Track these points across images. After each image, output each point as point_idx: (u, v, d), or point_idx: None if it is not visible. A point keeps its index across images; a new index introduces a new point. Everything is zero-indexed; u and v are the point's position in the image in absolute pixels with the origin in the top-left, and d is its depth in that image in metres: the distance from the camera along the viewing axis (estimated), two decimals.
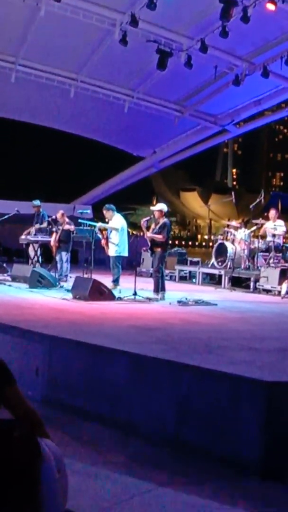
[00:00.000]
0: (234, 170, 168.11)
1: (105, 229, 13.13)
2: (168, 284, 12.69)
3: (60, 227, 14.60)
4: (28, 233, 15.44)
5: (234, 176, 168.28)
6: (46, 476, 2.90)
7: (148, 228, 11.97)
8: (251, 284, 14.18)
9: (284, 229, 14.77)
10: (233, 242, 15.52)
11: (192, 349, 6.41)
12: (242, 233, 15.44)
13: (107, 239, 12.99)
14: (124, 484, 4.21)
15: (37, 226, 15.47)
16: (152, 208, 12.37)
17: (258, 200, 16.57)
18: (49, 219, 15.26)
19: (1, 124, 27.30)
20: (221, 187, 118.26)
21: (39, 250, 15.22)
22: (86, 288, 10.72)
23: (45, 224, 15.22)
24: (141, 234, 13.22)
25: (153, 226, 11.96)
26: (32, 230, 15.55)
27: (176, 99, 21.01)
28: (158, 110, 21.17)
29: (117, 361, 5.99)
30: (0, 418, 2.94)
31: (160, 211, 11.96)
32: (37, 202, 15.98)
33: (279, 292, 13.04)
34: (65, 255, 14.75)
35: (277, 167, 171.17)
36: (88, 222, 13.83)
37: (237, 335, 7.65)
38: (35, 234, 15.31)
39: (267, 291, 13.59)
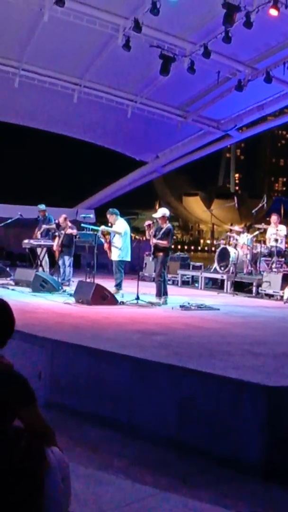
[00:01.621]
0: (236, 175, 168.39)
1: (108, 233, 13.13)
2: (170, 289, 12.70)
3: (63, 232, 14.62)
4: (35, 238, 15.46)
5: (237, 181, 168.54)
6: (50, 485, 2.94)
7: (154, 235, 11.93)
8: (254, 289, 14.18)
9: (285, 233, 14.80)
10: (235, 246, 15.52)
11: (195, 353, 6.41)
12: (244, 238, 15.44)
13: (110, 243, 13.00)
14: (125, 488, 4.21)
15: (45, 226, 15.44)
16: (154, 215, 12.31)
17: (260, 205, 16.59)
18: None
19: (5, 129, 27.36)
20: (224, 192, 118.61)
21: (42, 254, 15.23)
22: (89, 292, 10.74)
23: (53, 225, 15.16)
24: (143, 238, 13.21)
25: (152, 231, 11.95)
26: (38, 234, 15.58)
27: (179, 104, 21.04)
28: (161, 115, 21.20)
29: (120, 365, 6.00)
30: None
31: (163, 217, 11.96)
32: (42, 207, 16.00)
33: (282, 297, 13.05)
34: (67, 260, 14.76)
35: (280, 172, 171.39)
36: (91, 227, 13.85)
37: (239, 340, 7.65)
38: (44, 236, 15.32)
39: (270, 296, 13.59)
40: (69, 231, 14.58)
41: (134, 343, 6.88)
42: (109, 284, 12.01)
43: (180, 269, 16.77)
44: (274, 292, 13.49)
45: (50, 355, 6.65)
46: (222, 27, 14.54)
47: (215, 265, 15.79)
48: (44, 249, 15.12)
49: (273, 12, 13.92)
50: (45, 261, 15.37)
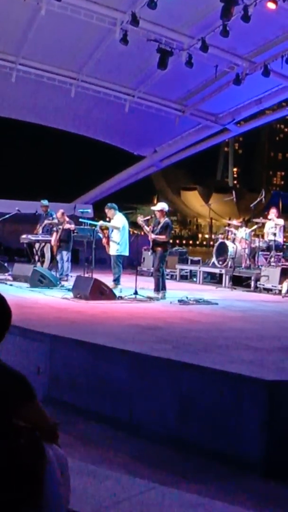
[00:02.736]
0: (235, 169, 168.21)
1: (107, 228, 13.12)
2: (168, 283, 12.69)
3: (60, 227, 14.60)
4: (36, 233, 15.44)
5: (235, 175, 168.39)
6: (49, 481, 2.94)
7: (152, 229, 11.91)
8: (252, 283, 14.18)
9: (282, 223, 14.82)
10: (233, 241, 15.52)
11: (193, 348, 6.41)
12: (243, 232, 15.44)
13: (108, 238, 12.98)
14: (125, 483, 4.21)
15: (47, 221, 15.38)
16: (152, 208, 12.36)
17: (259, 199, 16.57)
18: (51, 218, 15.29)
19: (2, 124, 27.28)
20: (222, 186, 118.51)
21: (44, 248, 15.22)
22: (87, 287, 10.72)
23: (56, 220, 15.12)
24: (142, 233, 13.20)
25: (151, 227, 11.93)
26: (40, 229, 15.55)
27: (177, 98, 21.00)
28: (159, 109, 21.16)
29: (118, 360, 6.00)
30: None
31: (161, 210, 11.95)
32: (45, 202, 15.97)
33: (280, 291, 13.06)
34: (65, 255, 14.74)
35: (278, 166, 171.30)
36: (89, 222, 13.84)
37: (238, 334, 7.65)
38: (46, 231, 15.30)
39: (268, 290, 13.59)
40: (67, 226, 14.55)
41: (133, 338, 6.87)
42: (107, 279, 12.00)
43: (178, 264, 16.77)
44: (272, 286, 13.49)
45: (48, 350, 6.64)
46: (219, 20, 14.51)
47: (214, 259, 15.79)
48: (48, 244, 15.13)
49: (271, 5, 13.91)
50: (47, 256, 15.36)
